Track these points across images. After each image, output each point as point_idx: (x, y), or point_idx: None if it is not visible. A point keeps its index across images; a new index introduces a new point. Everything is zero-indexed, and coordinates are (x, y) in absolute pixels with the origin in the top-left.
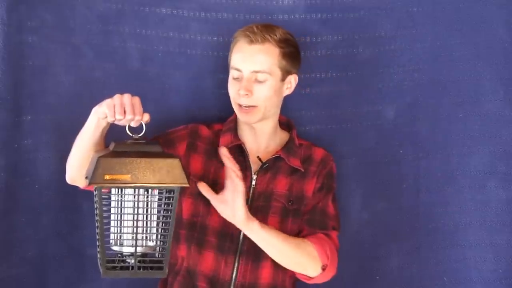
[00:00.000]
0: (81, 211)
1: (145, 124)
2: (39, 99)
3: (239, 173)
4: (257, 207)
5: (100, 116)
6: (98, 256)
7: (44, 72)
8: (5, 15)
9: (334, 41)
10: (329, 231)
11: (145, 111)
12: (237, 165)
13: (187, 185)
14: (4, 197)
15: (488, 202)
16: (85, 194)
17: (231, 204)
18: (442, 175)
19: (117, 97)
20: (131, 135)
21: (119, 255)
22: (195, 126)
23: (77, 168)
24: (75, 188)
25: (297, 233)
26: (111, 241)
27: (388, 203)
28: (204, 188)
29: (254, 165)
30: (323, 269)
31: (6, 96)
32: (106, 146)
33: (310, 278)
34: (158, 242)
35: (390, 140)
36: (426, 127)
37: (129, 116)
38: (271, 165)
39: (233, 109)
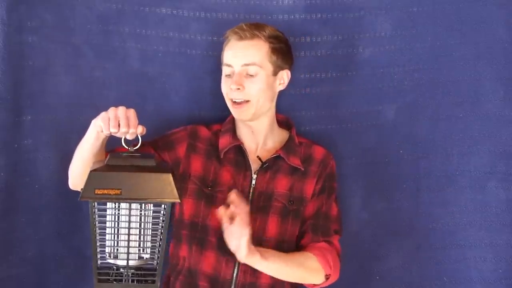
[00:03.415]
0: (81, 211)
1: (140, 136)
2: (39, 99)
3: (247, 220)
4: (257, 207)
5: (98, 129)
6: (93, 266)
7: (44, 72)
8: (5, 15)
9: (334, 41)
10: (331, 237)
11: (145, 111)
12: (245, 209)
13: (178, 201)
14: (4, 197)
15: (488, 202)
16: None
17: (236, 239)
18: (442, 175)
19: (111, 110)
20: (126, 147)
21: (114, 267)
22: (194, 127)
23: (78, 176)
24: None
25: (298, 236)
26: (105, 253)
27: (388, 203)
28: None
29: (254, 165)
30: (327, 278)
31: (6, 96)
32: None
33: (315, 285)
34: (151, 255)
35: (390, 140)
36: (426, 127)
37: (123, 129)
38: (271, 165)
39: None
